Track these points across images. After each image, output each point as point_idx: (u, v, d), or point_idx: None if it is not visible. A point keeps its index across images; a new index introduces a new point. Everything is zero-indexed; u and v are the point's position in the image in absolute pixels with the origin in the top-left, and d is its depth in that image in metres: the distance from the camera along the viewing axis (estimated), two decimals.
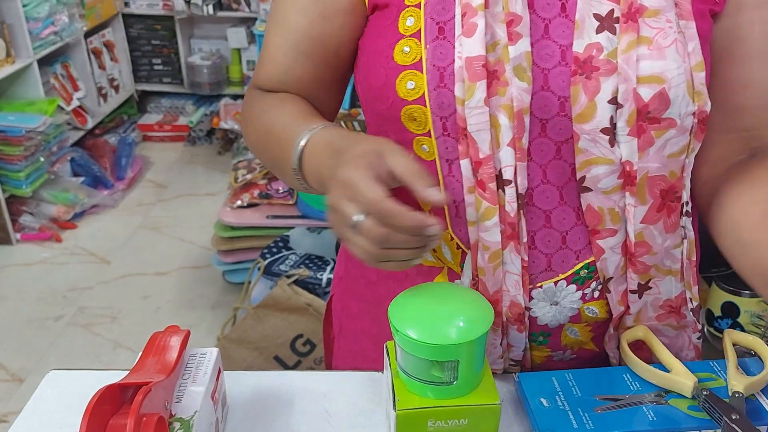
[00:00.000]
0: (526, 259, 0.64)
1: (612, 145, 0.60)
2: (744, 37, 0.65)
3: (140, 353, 0.59)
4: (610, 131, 0.60)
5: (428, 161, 0.65)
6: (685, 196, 0.65)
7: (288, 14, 0.70)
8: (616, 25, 0.59)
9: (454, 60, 0.59)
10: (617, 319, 0.68)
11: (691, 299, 0.69)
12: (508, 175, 0.61)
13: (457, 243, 0.67)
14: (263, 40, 0.75)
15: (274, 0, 0.72)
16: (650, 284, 0.67)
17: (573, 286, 0.66)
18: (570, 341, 0.70)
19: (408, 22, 0.62)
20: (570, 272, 0.66)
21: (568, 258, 0.65)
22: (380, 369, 0.72)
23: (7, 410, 1.93)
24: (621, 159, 0.61)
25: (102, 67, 3.38)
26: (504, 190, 0.62)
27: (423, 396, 0.58)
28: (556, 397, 0.66)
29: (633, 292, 0.66)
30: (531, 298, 0.66)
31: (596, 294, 0.67)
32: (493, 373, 0.66)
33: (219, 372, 0.64)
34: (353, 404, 0.69)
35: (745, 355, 0.70)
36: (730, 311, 1.40)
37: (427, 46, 0.61)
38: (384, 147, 0.56)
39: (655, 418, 0.63)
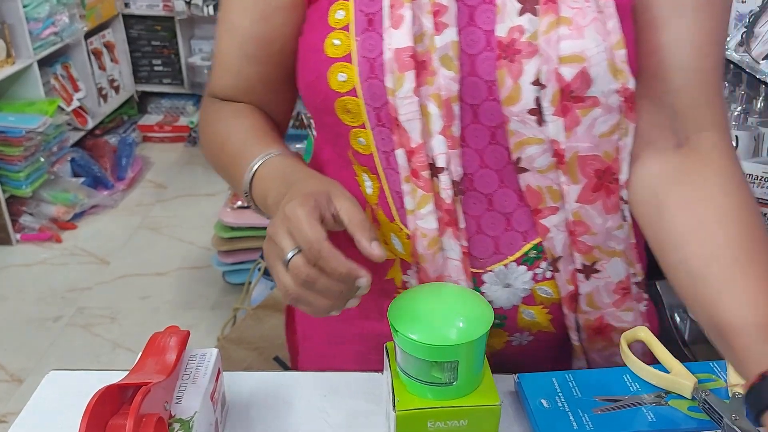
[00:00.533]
0: (466, 245, 0.66)
1: (540, 125, 0.61)
2: (652, 3, 0.65)
3: (140, 353, 0.59)
4: (537, 112, 0.61)
5: (366, 155, 0.65)
6: (625, 177, 0.66)
7: (233, 16, 0.71)
8: (537, 6, 0.60)
9: (383, 51, 0.60)
10: (570, 300, 0.69)
11: (635, 274, 0.70)
12: (441, 162, 0.62)
13: (405, 233, 0.67)
14: (214, 45, 0.75)
15: (221, 4, 0.73)
16: (597, 267, 0.68)
17: (523, 267, 0.67)
18: (526, 323, 0.70)
19: (338, 14, 0.63)
20: (519, 254, 0.67)
21: (515, 240, 0.67)
22: (348, 369, 0.73)
23: (6, 410, 1.93)
24: (549, 138, 0.62)
25: (102, 67, 3.38)
26: (438, 178, 0.62)
27: (423, 397, 0.58)
28: (556, 398, 0.66)
29: (580, 271, 0.67)
30: (483, 282, 0.67)
31: (548, 274, 0.68)
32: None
33: (218, 373, 0.64)
34: (352, 405, 0.68)
35: None
36: None
37: (357, 39, 0.61)
38: (334, 190, 0.59)
39: (654, 419, 0.63)
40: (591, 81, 0.60)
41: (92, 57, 3.30)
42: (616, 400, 0.65)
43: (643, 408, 0.64)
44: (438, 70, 0.60)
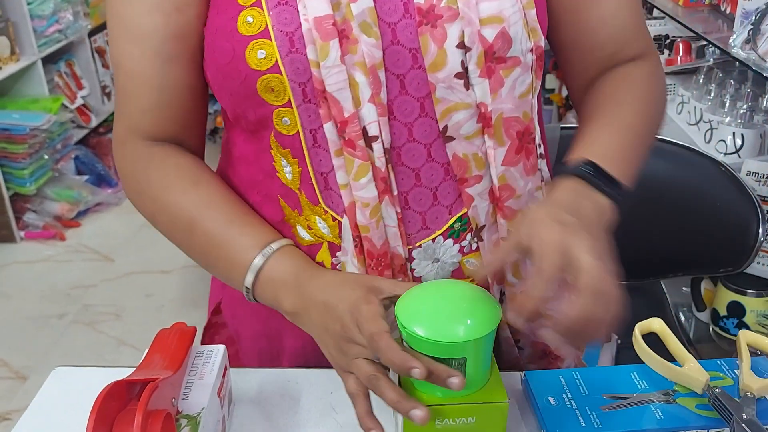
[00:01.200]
0: (399, 211, 0.66)
1: (467, 89, 0.63)
2: None
3: (145, 351, 0.59)
4: (464, 75, 0.62)
5: (291, 135, 0.65)
6: (538, 137, 0.69)
7: (138, 19, 0.64)
8: None
9: (300, 23, 0.60)
10: (495, 272, 0.69)
11: None
12: (373, 131, 0.62)
13: (332, 215, 0.67)
14: (115, 71, 0.68)
15: (115, 12, 0.66)
16: None
17: (450, 241, 0.68)
18: (469, 272, 0.71)
19: None
20: (445, 227, 0.68)
21: (441, 214, 0.67)
22: (287, 365, 0.74)
23: (11, 408, 1.94)
24: (476, 101, 0.63)
25: (106, 65, 3.38)
26: (372, 147, 0.63)
27: (431, 394, 0.58)
28: (563, 396, 0.65)
29: (505, 239, 0.68)
30: (413, 259, 0.68)
31: (474, 246, 0.69)
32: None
33: (225, 369, 0.63)
34: None
35: (751, 354, 0.70)
36: (736, 311, 1.40)
37: (270, 13, 0.60)
38: (372, 282, 0.61)
39: (662, 417, 0.63)
40: (511, 41, 0.62)
41: (96, 55, 3.30)
42: (624, 398, 0.65)
43: (651, 406, 0.64)
44: (359, 37, 0.60)
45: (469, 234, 0.68)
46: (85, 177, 2.99)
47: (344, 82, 0.60)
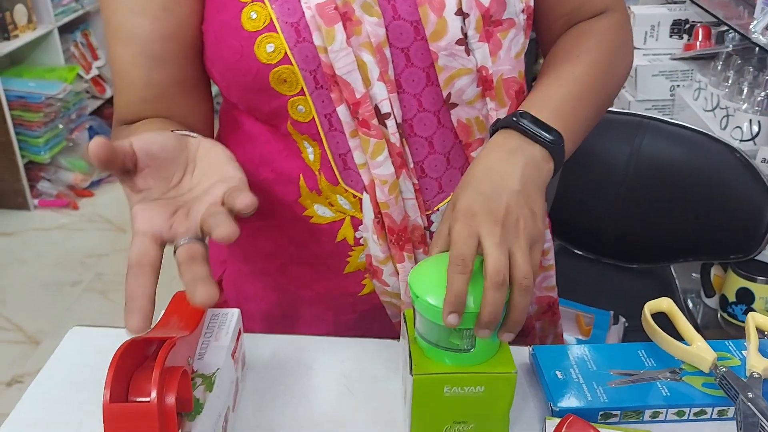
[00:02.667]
0: (417, 182, 0.68)
1: (468, 54, 0.64)
2: None
3: (163, 310, 0.60)
4: (464, 41, 0.63)
5: (307, 122, 0.65)
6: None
7: (126, 21, 0.64)
8: None
9: (303, 13, 0.60)
10: None
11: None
12: (385, 108, 0.64)
13: (352, 193, 0.69)
14: (110, 65, 0.68)
15: (106, 14, 0.66)
16: None
17: None
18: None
19: None
20: None
21: (454, 176, 0.70)
22: (305, 332, 0.74)
23: (24, 371, 1.97)
24: (477, 65, 0.65)
25: None
26: (385, 125, 0.64)
27: (440, 362, 0.59)
28: (571, 370, 0.66)
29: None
30: (431, 223, 0.70)
31: None
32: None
33: (239, 333, 0.65)
34: (370, 370, 0.69)
35: (759, 338, 0.71)
36: (745, 297, 1.40)
37: (273, 6, 0.61)
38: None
39: (669, 394, 0.64)
40: (505, 4, 0.64)
41: None
42: (630, 374, 0.66)
43: (657, 383, 0.65)
44: (362, 18, 0.61)
45: None
46: None
47: (353, 64, 0.61)
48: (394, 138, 0.65)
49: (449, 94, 0.66)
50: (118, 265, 2.44)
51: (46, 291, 2.31)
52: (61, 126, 2.80)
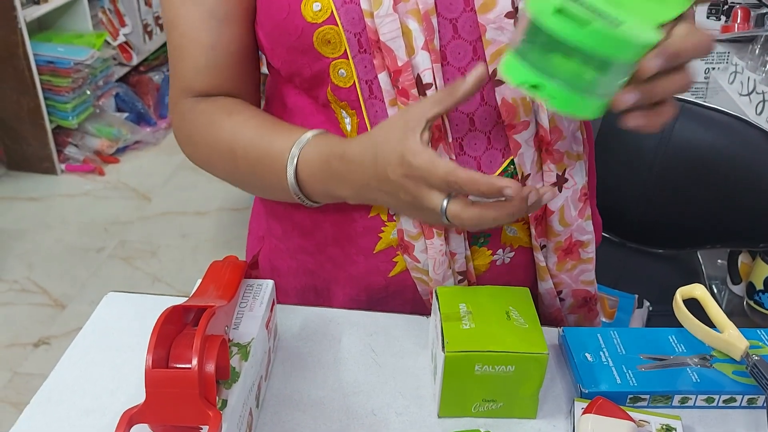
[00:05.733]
0: (454, 157, 0.66)
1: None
2: None
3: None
4: (513, 14, 0.61)
5: (348, 88, 0.65)
6: None
7: None
8: None
9: None
10: (537, 222, 0.70)
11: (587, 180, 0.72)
12: (427, 78, 0.62)
13: None
14: (168, 32, 0.69)
15: None
16: (566, 175, 0.69)
17: None
18: (508, 239, 0.72)
19: None
20: (499, 171, 0.68)
21: (494, 157, 0.68)
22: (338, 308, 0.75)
23: (50, 334, 2.01)
24: None
25: (149, 4, 3.38)
26: (426, 95, 0.63)
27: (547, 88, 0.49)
28: (600, 353, 0.66)
29: (553, 185, 0.69)
30: None
31: None
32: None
33: (273, 303, 0.65)
34: (398, 345, 0.70)
35: None
36: None
37: None
38: (404, 124, 0.57)
39: (699, 380, 0.64)
40: None
41: None
42: (661, 359, 0.66)
43: (687, 369, 0.65)
44: None
45: (519, 178, 0.68)
46: (125, 114, 3.02)
47: (397, 30, 0.61)
48: None
49: (495, 69, 0.63)
50: (141, 233, 2.47)
51: (71, 256, 2.34)
52: (88, 92, 2.81)
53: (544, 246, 0.73)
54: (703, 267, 1.43)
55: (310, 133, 0.65)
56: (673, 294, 0.70)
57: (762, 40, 1.72)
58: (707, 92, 1.88)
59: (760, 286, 1.40)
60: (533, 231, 0.71)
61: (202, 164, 0.73)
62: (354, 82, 0.64)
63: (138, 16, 3.29)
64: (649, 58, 0.48)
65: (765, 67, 1.67)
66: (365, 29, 0.61)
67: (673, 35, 0.50)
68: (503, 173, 0.68)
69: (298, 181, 0.65)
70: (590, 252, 0.75)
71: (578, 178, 0.70)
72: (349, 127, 0.68)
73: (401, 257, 0.72)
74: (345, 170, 0.62)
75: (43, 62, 2.65)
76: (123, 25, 3.21)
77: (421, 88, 0.63)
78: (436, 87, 0.63)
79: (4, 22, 2.49)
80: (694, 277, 1.37)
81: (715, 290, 1.57)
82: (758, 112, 1.60)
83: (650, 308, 1.26)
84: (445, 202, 0.56)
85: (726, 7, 1.88)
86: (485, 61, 0.64)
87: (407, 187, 0.57)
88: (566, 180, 0.70)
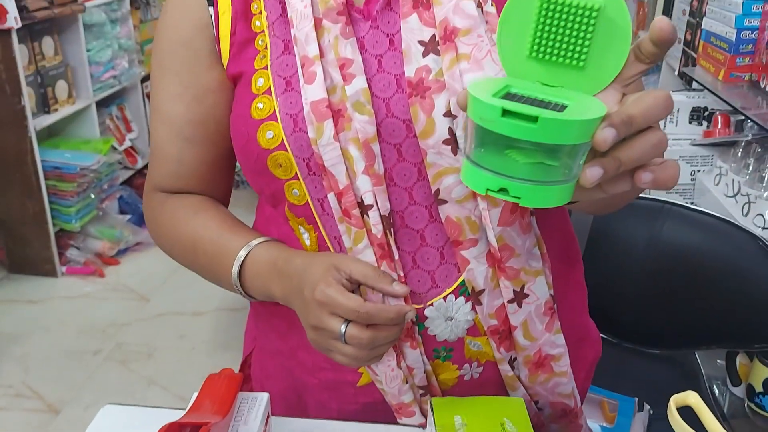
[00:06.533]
0: (402, 274, 0.69)
1: (455, 154, 0.65)
2: None
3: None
4: (451, 141, 0.65)
5: (301, 205, 0.70)
6: None
7: (166, 105, 0.75)
8: (438, 47, 0.65)
9: (303, 107, 0.66)
10: (495, 333, 0.70)
11: (552, 294, 0.73)
12: (368, 200, 0.67)
13: None
14: (151, 138, 0.80)
15: (152, 95, 0.78)
16: (526, 290, 0.70)
17: (462, 299, 0.70)
18: (473, 353, 0.72)
19: (259, 82, 0.69)
20: (455, 285, 0.70)
21: (450, 272, 0.70)
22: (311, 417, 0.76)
23: None
24: None
25: None
26: (368, 215, 0.67)
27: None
28: None
29: (511, 301, 0.70)
30: (426, 317, 0.70)
31: None
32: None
33: (268, 416, 0.66)
34: None
35: None
36: None
37: (278, 99, 0.67)
38: (335, 260, 0.66)
39: None
40: None
41: (146, 100, 3.44)
42: None
43: None
44: (353, 115, 0.65)
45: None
46: (128, 216, 3.08)
47: (338, 157, 0.66)
48: (376, 229, 0.67)
49: (438, 190, 0.67)
50: (138, 335, 2.46)
51: (67, 360, 2.32)
52: (92, 196, 2.88)
53: (515, 359, 0.73)
54: (702, 367, 1.42)
55: (258, 240, 0.72)
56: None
57: (743, 144, 1.79)
58: (694, 193, 1.94)
59: (759, 388, 1.39)
60: (493, 343, 0.71)
61: (167, 252, 0.81)
62: (307, 200, 0.69)
63: (145, 122, 3.42)
64: (600, 130, 0.47)
65: (748, 169, 1.73)
66: (313, 155, 0.67)
67: (624, 102, 0.51)
68: (460, 287, 0.69)
69: (240, 277, 0.72)
70: (563, 365, 0.74)
71: (540, 293, 0.71)
72: (308, 242, 0.72)
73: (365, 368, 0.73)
74: (285, 273, 0.68)
75: (50, 167, 2.73)
76: (129, 130, 3.33)
77: (363, 209, 0.67)
78: (377, 208, 0.67)
79: (16, 130, 2.58)
80: (693, 378, 1.36)
81: (717, 392, 1.55)
82: (744, 213, 1.64)
83: (651, 411, 1.25)
84: (343, 327, 0.63)
85: (707, 113, 1.97)
86: (428, 181, 0.67)
87: (314, 309, 0.64)
88: (526, 295, 0.70)
